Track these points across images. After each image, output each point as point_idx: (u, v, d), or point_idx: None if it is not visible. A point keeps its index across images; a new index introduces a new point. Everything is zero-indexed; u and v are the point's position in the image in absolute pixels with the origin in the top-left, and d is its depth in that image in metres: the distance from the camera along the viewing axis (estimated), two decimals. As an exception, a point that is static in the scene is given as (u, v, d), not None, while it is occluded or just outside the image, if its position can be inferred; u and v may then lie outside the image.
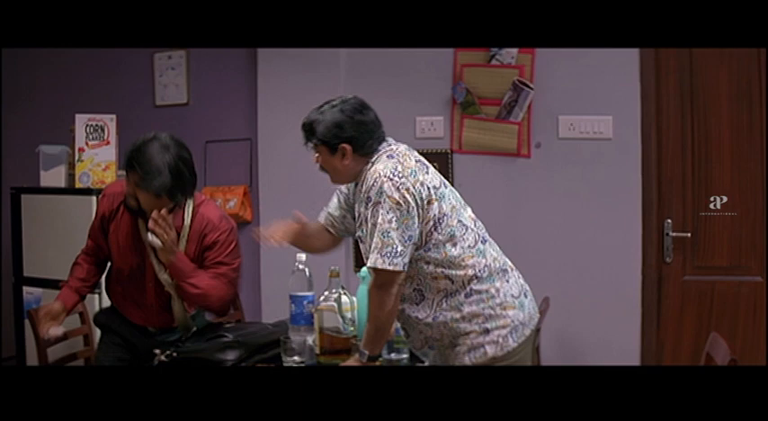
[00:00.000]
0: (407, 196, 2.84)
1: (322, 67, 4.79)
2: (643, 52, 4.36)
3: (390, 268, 2.84)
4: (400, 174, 2.87)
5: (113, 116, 4.69)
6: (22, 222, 4.84)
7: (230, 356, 3.29)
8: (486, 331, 2.94)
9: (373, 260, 2.86)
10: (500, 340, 2.94)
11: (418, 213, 2.87)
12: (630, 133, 4.37)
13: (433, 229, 2.90)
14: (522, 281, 3.08)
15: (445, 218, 2.92)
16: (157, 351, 3.37)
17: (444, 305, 2.96)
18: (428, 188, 2.90)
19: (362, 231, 2.98)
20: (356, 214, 3.07)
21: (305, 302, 3.54)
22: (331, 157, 3.00)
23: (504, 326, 2.95)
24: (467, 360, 2.95)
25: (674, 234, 4.39)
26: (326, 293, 3.43)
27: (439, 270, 2.93)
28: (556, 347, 4.05)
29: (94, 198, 4.53)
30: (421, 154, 4.56)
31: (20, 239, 4.84)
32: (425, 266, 2.93)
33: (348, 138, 2.96)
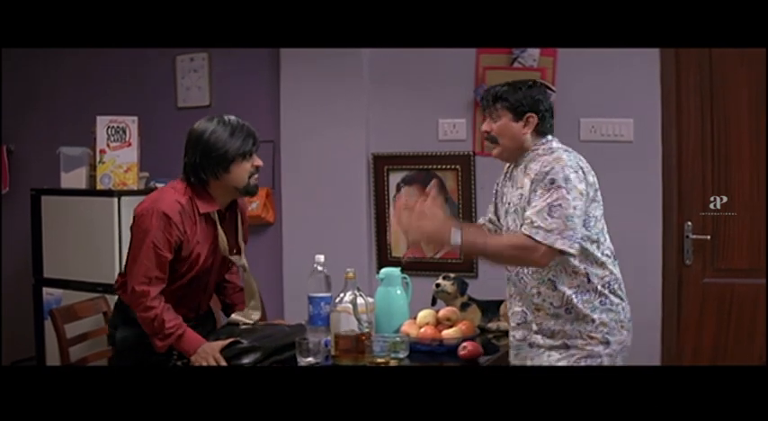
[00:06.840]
0: (588, 189, 3.01)
1: (345, 69, 4.80)
2: (663, 56, 4.32)
3: (570, 251, 2.95)
4: (584, 170, 3.04)
5: (135, 118, 4.72)
6: (42, 224, 4.86)
7: (245, 360, 3.26)
8: (607, 343, 3.02)
9: (552, 240, 2.92)
10: (615, 355, 3.03)
11: (586, 207, 3.01)
12: (651, 136, 4.36)
13: (584, 227, 3.02)
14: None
15: (594, 220, 3.05)
16: (175, 355, 3.36)
17: (576, 300, 3.04)
18: (594, 189, 3.07)
19: (516, 211, 3.11)
20: (505, 196, 3.23)
21: (322, 303, 3.55)
22: (514, 124, 3.15)
23: (619, 343, 3.04)
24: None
25: (694, 236, 4.37)
26: (342, 295, 3.42)
27: (582, 266, 3.04)
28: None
29: (116, 199, 4.57)
30: (443, 156, 4.69)
31: (40, 241, 4.86)
32: (572, 259, 3.02)
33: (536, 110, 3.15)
